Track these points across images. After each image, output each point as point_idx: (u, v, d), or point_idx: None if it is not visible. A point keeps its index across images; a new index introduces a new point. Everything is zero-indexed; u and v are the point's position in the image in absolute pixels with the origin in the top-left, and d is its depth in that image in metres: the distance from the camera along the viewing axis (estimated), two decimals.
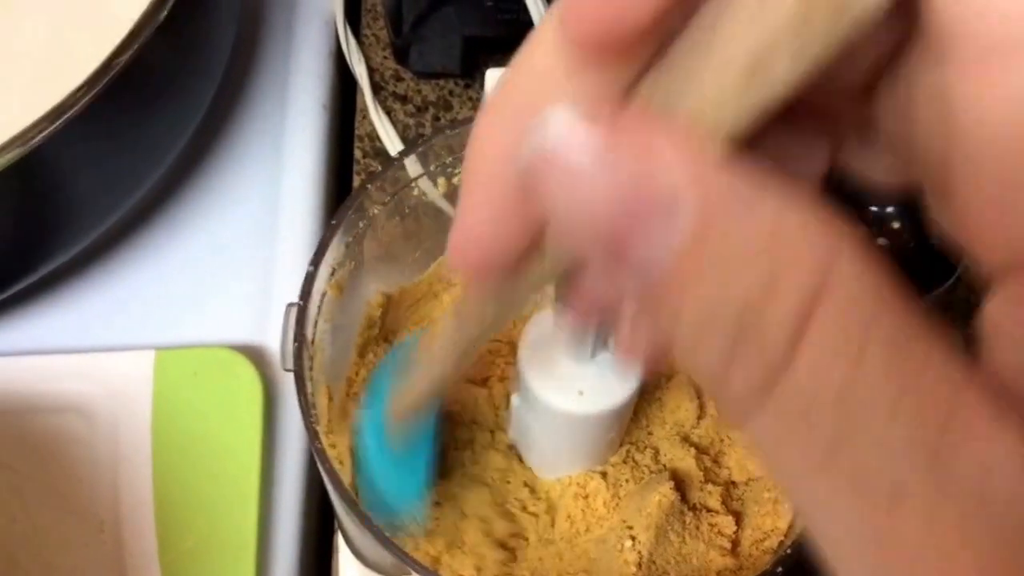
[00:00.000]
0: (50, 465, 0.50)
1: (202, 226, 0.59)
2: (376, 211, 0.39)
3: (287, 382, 0.54)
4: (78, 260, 0.56)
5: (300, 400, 0.34)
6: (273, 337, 0.55)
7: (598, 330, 0.35)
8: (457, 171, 0.41)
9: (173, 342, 0.54)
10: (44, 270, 0.53)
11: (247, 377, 0.52)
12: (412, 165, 0.41)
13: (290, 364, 0.34)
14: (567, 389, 0.36)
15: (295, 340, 0.35)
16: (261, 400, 0.51)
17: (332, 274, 0.38)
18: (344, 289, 0.39)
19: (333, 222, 0.37)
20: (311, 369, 0.35)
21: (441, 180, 0.41)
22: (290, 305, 0.36)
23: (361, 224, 0.39)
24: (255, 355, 0.53)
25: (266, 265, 0.57)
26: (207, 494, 0.49)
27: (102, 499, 0.49)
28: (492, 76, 0.48)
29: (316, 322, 0.36)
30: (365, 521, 0.31)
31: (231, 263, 0.58)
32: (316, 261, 0.36)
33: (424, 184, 0.41)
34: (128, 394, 0.51)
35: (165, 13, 0.48)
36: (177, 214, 0.59)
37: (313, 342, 0.36)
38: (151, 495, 0.49)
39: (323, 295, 0.37)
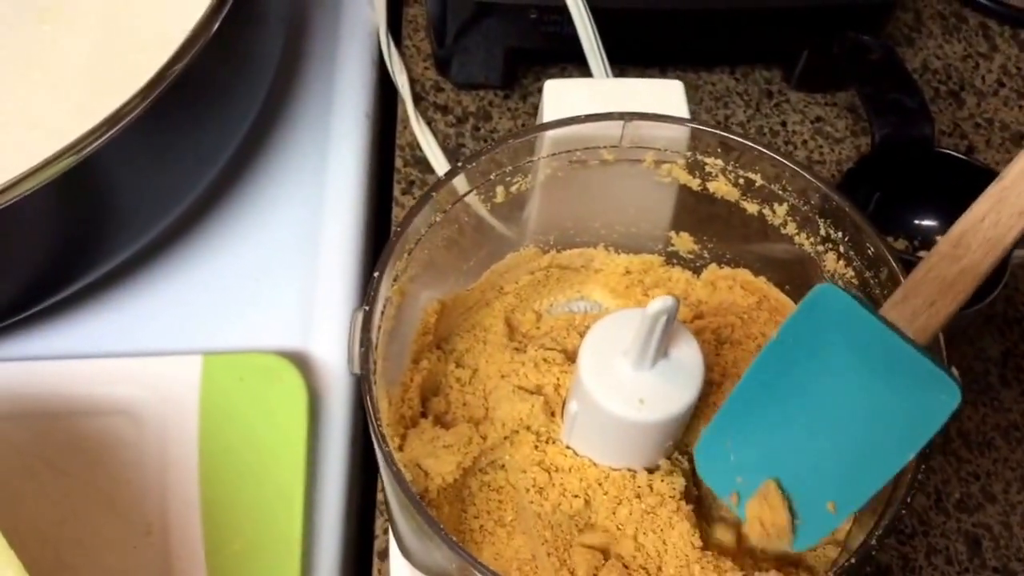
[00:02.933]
0: (99, 467, 0.50)
1: (248, 233, 0.59)
2: (437, 219, 0.40)
3: (330, 388, 0.54)
4: (127, 266, 0.56)
5: (367, 403, 0.34)
6: (317, 344, 0.56)
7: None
8: (515, 180, 0.42)
9: (220, 347, 0.55)
10: (94, 275, 0.54)
11: (293, 383, 0.52)
12: (465, 179, 0.41)
13: (357, 368, 0.35)
14: (628, 397, 0.37)
15: (361, 344, 0.35)
16: (306, 406, 0.52)
17: (395, 280, 0.38)
18: (406, 295, 0.39)
19: (398, 228, 0.37)
20: (374, 373, 0.36)
21: (499, 189, 0.42)
22: (357, 309, 0.36)
23: (424, 231, 0.39)
24: (299, 361, 0.54)
25: (310, 272, 0.58)
26: (253, 498, 0.50)
27: (150, 502, 0.49)
28: (550, 87, 0.48)
29: (379, 327, 0.37)
30: (433, 525, 0.32)
31: (276, 270, 0.58)
32: (381, 267, 0.37)
33: (472, 199, 0.42)
34: (176, 398, 0.51)
35: (218, 24, 0.49)
36: (224, 221, 0.59)
37: (376, 347, 0.37)
38: (198, 498, 0.49)
39: (387, 300, 0.37)
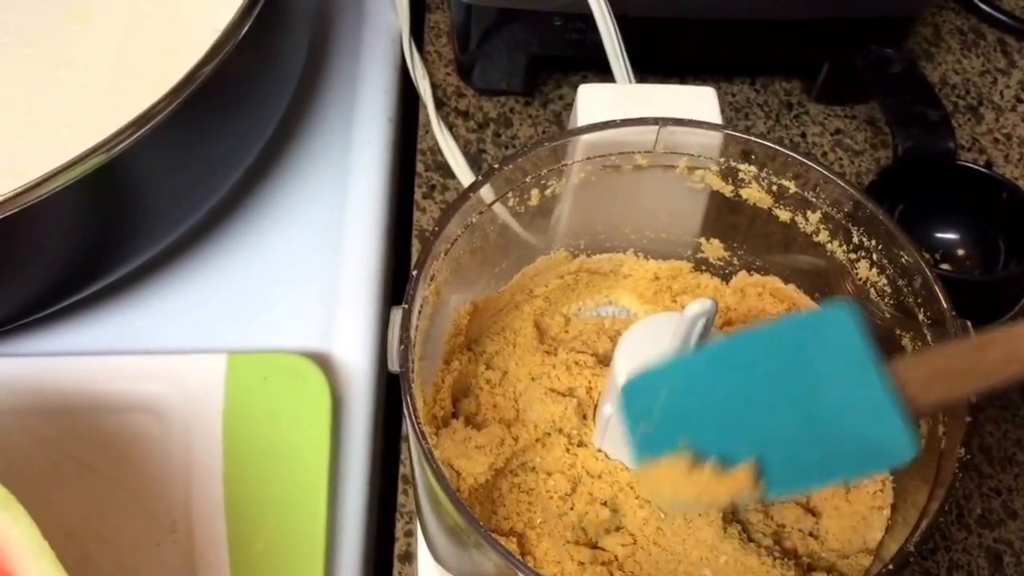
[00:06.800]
0: (124, 464, 0.50)
1: (272, 234, 0.60)
2: (473, 220, 0.40)
3: (351, 389, 0.55)
4: (154, 264, 0.56)
5: (406, 400, 0.34)
6: (339, 345, 0.56)
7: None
8: (549, 184, 0.42)
9: (244, 347, 0.55)
10: (121, 272, 0.54)
11: (316, 383, 0.52)
12: (501, 181, 0.42)
13: (396, 365, 0.35)
14: None
15: (401, 342, 0.35)
16: (329, 406, 0.52)
17: (431, 280, 0.38)
18: (441, 295, 0.39)
19: (436, 228, 0.37)
20: (412, 371, 0.36)
21: (534, 192, 0.42)
22: (396, 307, 0.36)
23: (459, 232, 0.39)
24: (321, 362, 0.54)
25: (332, 274, 0.58)
26: (277, 496, 0.50)
27: (174, 499, 0.49)
28: (584, 92, 0.48)
29: (416, 326, 0.37)
30: (473, 522, 0.32)
31: (299, 271, 0.58)
32: (420, 266, 0.37)
33: (503, 205, 0.42)
34: (201, 396, 0.52)
35: (247, 27, 0.49)
36: (249, 222, 0.60)
37: (414, 345, 0.37)
38: (222, 496, 0.49)
39: (424, 300, 0.38)
